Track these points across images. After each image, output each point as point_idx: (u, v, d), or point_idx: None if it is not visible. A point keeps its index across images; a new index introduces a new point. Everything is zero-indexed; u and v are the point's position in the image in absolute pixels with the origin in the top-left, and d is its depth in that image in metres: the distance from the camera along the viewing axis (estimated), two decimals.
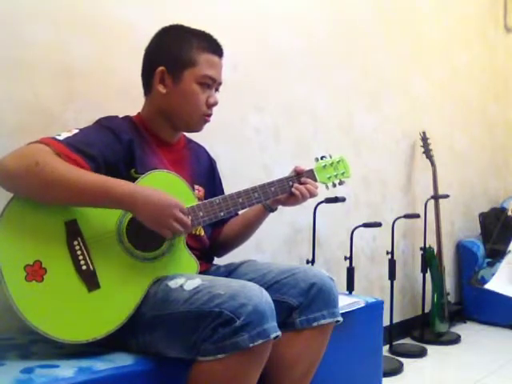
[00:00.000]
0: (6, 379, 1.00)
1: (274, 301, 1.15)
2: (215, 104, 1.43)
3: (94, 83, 1.61)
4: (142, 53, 1.44)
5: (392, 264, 2.62)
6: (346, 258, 2.29)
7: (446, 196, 3.00)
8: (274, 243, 2.21)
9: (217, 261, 1.57)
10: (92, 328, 1.14)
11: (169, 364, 1.17)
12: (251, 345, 1.07)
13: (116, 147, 1.29)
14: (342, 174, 1.55)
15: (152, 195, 1.17)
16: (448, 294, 3.08)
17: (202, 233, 1.48)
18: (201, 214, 1.28)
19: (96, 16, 1.62)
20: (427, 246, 2.90)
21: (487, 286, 3.13)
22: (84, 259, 1.16)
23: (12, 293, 1.08)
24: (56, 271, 1.13)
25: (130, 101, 1.54)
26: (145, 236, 1.22)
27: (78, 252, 1.15)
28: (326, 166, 1.53)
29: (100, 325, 1.15)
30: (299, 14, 2.35)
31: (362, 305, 1.73)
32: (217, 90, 1.45)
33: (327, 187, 1.55)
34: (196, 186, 1.46)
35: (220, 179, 1.64)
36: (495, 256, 3.28)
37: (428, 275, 2.94)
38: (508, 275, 3.13)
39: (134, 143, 1.33)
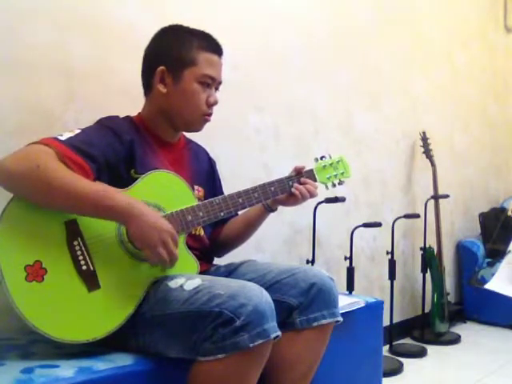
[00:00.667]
0: (6, 379, 1.00)
1: (274, 301, 1.15)
2: (215, 103, 1.43)
3: (94, 83, 1.61)
4: (142, 53, 1.44)
5: (392, 264, 2.63)
6: (346, 258, 2.29)
7: (446, 196, 3.00)
8: (273, 243, 2.22)
9: (217, 261, 1.57)
10: (92, 328, 1.14)
11: (169, 364, 1.17)
12: (251, 345, 1.07)
13: (117, 147, 1.29)
14: (342, 173, 1.55)
15: (149, 214, 1.16)
16: (448, 293, 3.08)
17: (202, 233, 1.48)
18: (201, 214, 1.28)
19: (96, 16, 1.62)
20: (427, 246, 2.90)
21: (487, 286, 3.13)
22: (84, 259, 1.16)
23: (12, 293, 1.08)
24: (56, 271, 1.13)
25: (130, 101, 1.54)
26: None
27: (78, 252, 1.15)
28: (325, 166, 1.53)
29: (100, 325, 1.15)
30: (299, 13, 2.35)
31: (362, 305, 1.73)
32: (217, 89, 1.45)
33: (327, 187, 1.55)
34: (196, 187, 1.46)
35: (220, 180, 1.64)
36: (495, 256, 3.28)
37: (428, 275, 2.94)
38: (508, 275, 3.13)
39: (134, 143, 1.33)
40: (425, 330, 2.92)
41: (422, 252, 2.90)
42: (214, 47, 1.42)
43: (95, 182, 1.22)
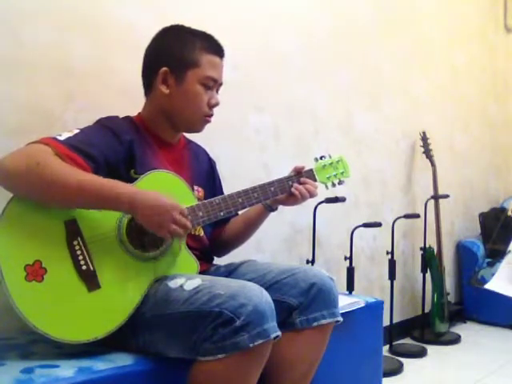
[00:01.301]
0: (6, 379, 1.00)
1: (273, 301, 1.15)
2: (217, 105, 1.43)
3: (93, 83, 1.61)
4: (142, 53, 1.44)
5: (392, 264, 2.63)
6: (346, 258, 2.29)
7: (446, 196, 3.00)
8: (273, 243, 2.22)
9: (217, 261, 1.57)
10: (92, 328, 1.14)
11: (169, 364, 1.17)
12: (251, 345, 1.07)
13: (116, 147, 1.29)
14: (342, 173, 1.56)
15: (151, 198, 1.17)
16: (448, 293, 3.08)
17: (202, 233, 1.48)
18: (200, 214, 1.28)
19: (96, 16, 1.62)
20: (427, 246, 2.90)
21: (487, 286, 3.13)
22: (84, 259, 1.16)
23: (12, 293, 1.08)
24: (56, 271, 1.13)
25: (130, 101, 1.54)
26: (145, 236, 1.22)
27: (78, 252, 1.15)
28: (325, 165, 1.53)
29: (100, 325, 1.15)
30: (299, 13, 2.35)
31: (362, 305, 1.73)
32: (217, 90, 1.45)
33: (327, 187, 1.55)
34: (195, 187, 1.46)
35: (220, 180, 1.65)
36: (495, 256, 3.28)
37: (428, 275, 2.94)
38: (508, 275, 3.13)
39: (134, 144, 1.33)
40: (425, 330, 2.91)
41: (422, 252, 2.90)
42: (217, 49, 1.42)
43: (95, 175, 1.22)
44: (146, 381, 1.14)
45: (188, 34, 1.41)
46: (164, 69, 1.37)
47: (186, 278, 1.20)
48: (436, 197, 3.00)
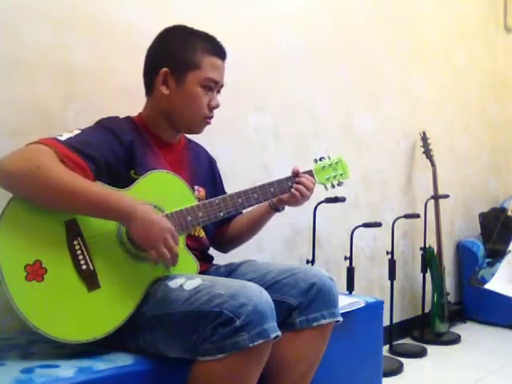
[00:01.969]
0: (6, 379, 1.00)
1: (273, 301, 1.15)
2: (217, 107, 1.43)
3: (94, 83, 1.61)
4: (143, 53, 1.44)
5: (392, 264, 2.63)
6: (346, 258, 2.29)
7: (446, 196, 3.00)
8: (274, 243, 2.22)
9: (217, 261, 1.57)
10: (92, 328, 1.14)
11: (169, 364, 1.17)
12: (251, 345, 1.07)
13: (117, 148, 1.29)
14: (341, 175, 1.56)
15: (149, 214, 1.16)
16: (448, 293, 3.08)
17: (202, 234, 1.48)
18: (200, 214, 1.28)
19: (96, 16, 1.62)
20: (427, 246, 2.90)
21: (487, 286, 3.13)
22: (84, 259, 1.16)
23: (12, 292, 1.08)
24: (56, 271, 1.13)
25: (130, 101, 1.54)
26: None
27: (78, 252, 1.15)
28: (324, 167, 1.53)
29: (100, 325, 1.15)
30: (299, 14, 2.35)
31: (362, 305, 1.73)
32: (218, 92, 1.45)
33: (326, 188, 1.55)
34: (196, 187, 1.46)
35: (221, 178, 1.65)
36: (495, 256, 3.28)
37: (428, 275, 2.94)
38: (508, 275, 3.13)
39: (134, 144, 1.33)
40: (425, 330, 2.91)
41: (422, 252, 2.89)
42: (218, 51, 1.42)
43: (95, 182, 1.22)
44: (146, 381, 1.14)
45: (190, 35, 1.41)
46: (164, 69, 1.37)
47: (186, 277, 1.20)
48: (436, 197, 3.00)
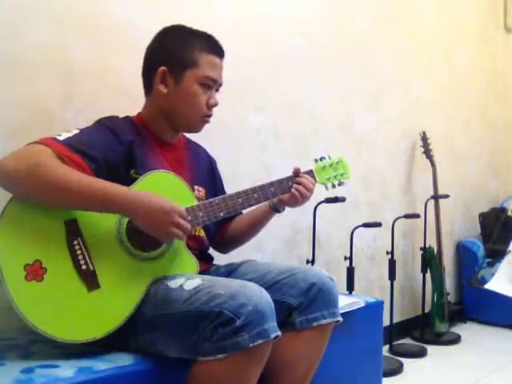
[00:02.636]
0: (6, 379, 1.00)
1: (273, 301, 1.15)
2: (216, 105, 1.43)
3: (94, 83, 1.61)
4: (142, 53, 1.44)
5: (392, 264, 2.63)
6: (345, 258, 2.29)
7: (446, 196, 3.00)
8: (274, 243, 2.22)
9: (217, 261, 1.57)
10: (92, 328, 1.14)
11: (169, 364, 1.17)
12: (251, 345, 1.07)
13: (116, 148, 1.29)
14: (342, 174, 1.55)
15: (150, 201, 1.16)
16: (448, 293, 3.08)
17: (202, 233, 1.48)
18: (200, 214, 1.28)
19: (96, 16, 1.62)
20: (427, 246, 2.90)
21: (487, 286, 3.13)
22: (84, 259, 1.15)
23: (12, 292, 1.08)
24: (56, 271, 1.13)
25: (130, 101, 1.54)
26: (144, 236, 1.22)
27: (78, 252, 1.15)
28: (325, 166, 1.53)
29: (100, 325, 1.15)
30: (299, 13, 2.35)
31: (362, 305, 1.73)
32: (217, 90, 1.45)
33: (327, 188, 1.55)
34: (196, 187, 1.46)
35: (221, 178, 1.65)
36: (495, 256, 3.28)
37: (428, 275, 2.94)
38: (508, 275, 3.13)
39: (134, 144, 1.33)
40: (425, 330, 2.91)
41: (422, 252, 2.90)
42: (216, 49, 1.42)
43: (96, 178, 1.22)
44: (146, 381, 1.14)
45: (188, 34, 1.41)
46: (162, 68, 1.37)
47: (186, 277, 1.20)
48: (436, 197, 3.00)
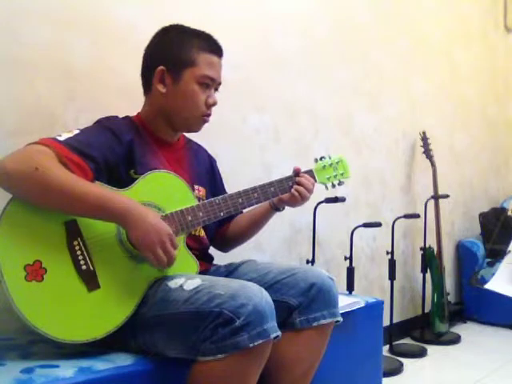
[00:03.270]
0: (6, 379, 1.00)
1: (273, 301, 1.15)
2: (214, 104, 1.43)
3: (94, 83, 1.61)
4: (142, 53, 1.44)
5: (392, 264, 2.62)
6: (346, 258, 2.29)
7: (446, 196, 3.00)
8: (274, 243, 2.22)
9: (217, 261, 1.57)
10: (92, 328, 1.14)
11: (169, 364, 1.17)
12: (251, 345, 1.07)
13: (116, 148, 1.29)
14: (342, 174, 1.56)
15: (147, 216, 1.15)
16: (448, 294, 3.08)
17: (202, 233, 1.48)
18: (200, 214, 1.28)
19: (96, 16, 1.62)
20: (427, 246, 2.90)
21: (487, 286, 3.12)
22: (84, 259, 1.15)
23: (12, 292, 1.08)
24: (56, 271, 1.13)
25: (130, 101, 1.54)
26: None
27: (78, 252, 1.15)
28: (325, 166, 1.53)
29: (100, 325, 1.15)
30: (299, 13, 2.35)
31: (362, 305, 1.73)
32: (216, 89, 1.45)
33: (327, 188, 1.55)
34: (196, 186, 1.46)
35: (221, 178, 1.65)
36: (495, 256, 3.28)
37: (428, 275, 2.94)
38: (508, 275, 3.12)
39: (134, 144, 1.33)
40: (425, 329, 2.92)
41: (421, 252, 2.90)
42: (214, 48, 1.42)
43: (94, 183, 1.22)
44: (146, 381, 1.14)
45: (186, 34, 1.41)
46: (161, 68, 1.37)
47: (186, 277, 1.20)
48: (436, 197, 3.00)
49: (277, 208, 1.54)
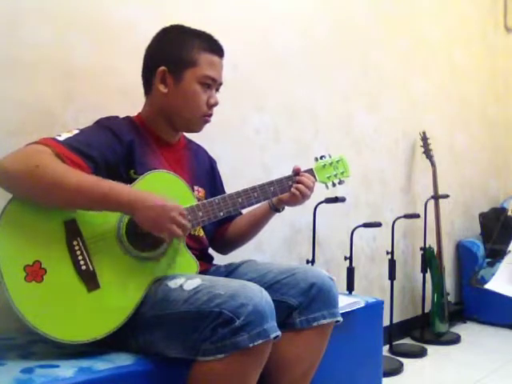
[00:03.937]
0: (6, 379, 1.00)
1: (273, 301, 1.15)
2: (216, 104, 1.43)
3: (93, 83, 1.61)
4: (142, 53, 1.44)
5: (392, 264, 2.62)
6: (346, 258, 2.29)
7: (446, 196, 3.00)
8: (273, 243, 2.22)
9: (217, 261, 1.57)
10: (92, 328, 1.14)
11: (169, 364, 1.17)
12: (251, 345, 1.07)
13: (116, 148, 1.29)
14: (342, 173, 1.55)
15: (151, 199, 1.17)
16: (448, 294, 3.08)
17: (202, 233, 1.48)
18: (200, 214, 1.28)
19: (96, 16, 1.62)
20: (427, 246, 2.90)
21: (487, 286, 3.12)
22: (84, 259, 1.15)
23: (11, 293, 1.08)
24: (56, 271, 1.13)
25: (130, 101, 1.54)
26: (144, 236, 1.22)
27: (78, 252, 1.15)
28: (325, 165, 1.53)
29: (100, 325, 1.15)
30: (299, 13, 2.35)
31: (362, 305, 1.73)
32: (217, 90, 1.45)
33: (327, 187, 1.55)
34: (196, 187, 1.46)
35: (221, 179, 1.65)
36: (495, 256, 3.28)
37: (428, 275, 2.94)
38: (508, 275, 3.12)
39: (134, 144, 1.33)
40: (425, 330, 2.92)
41: (421, 252, 2.90)
42: (215, 48, 1.42)
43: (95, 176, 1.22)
44: (146, 381, 1.14)
45: (187, 34, 1.41)
46: (162, 68, 1.37)
47: (186, 277, 1.20)
48: (436, 197, 3.00)
49: (276, 209, 1.54)
